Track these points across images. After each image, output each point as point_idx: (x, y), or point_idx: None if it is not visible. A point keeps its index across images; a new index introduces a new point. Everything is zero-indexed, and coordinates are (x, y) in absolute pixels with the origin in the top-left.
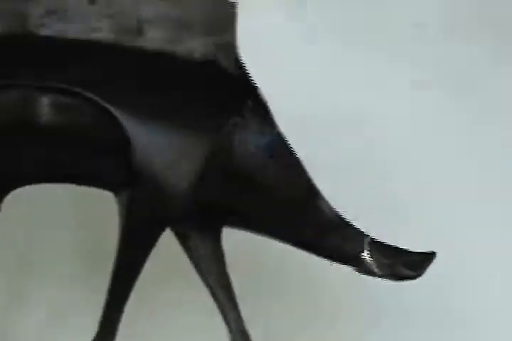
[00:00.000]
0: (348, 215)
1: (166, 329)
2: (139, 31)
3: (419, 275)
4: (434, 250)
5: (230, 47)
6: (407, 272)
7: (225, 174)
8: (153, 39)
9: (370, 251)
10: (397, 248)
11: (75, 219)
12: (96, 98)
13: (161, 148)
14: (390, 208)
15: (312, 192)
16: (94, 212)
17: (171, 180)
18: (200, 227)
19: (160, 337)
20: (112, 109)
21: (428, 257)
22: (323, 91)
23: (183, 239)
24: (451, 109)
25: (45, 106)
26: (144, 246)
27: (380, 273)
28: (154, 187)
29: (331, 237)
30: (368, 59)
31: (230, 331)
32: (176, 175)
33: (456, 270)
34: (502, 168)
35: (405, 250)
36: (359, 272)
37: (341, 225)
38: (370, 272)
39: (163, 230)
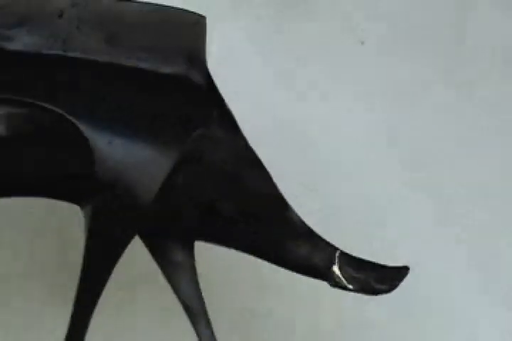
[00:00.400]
0: None
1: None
2: (109, 44)
3: (391, 289)
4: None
5: (197, 60)
6: (379, 286)
7: (197, 181)
8: (121, 52)
9: (340, 264)
10: (368, 262)
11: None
12: (61, 111)
13: (125, 158)
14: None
15: (281, 203)
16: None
17: (137, 186)
18: (172, 238)
19: None
20: (76, 121)
21: (401, 271)
22: (266, 109)
23: (154, 250)
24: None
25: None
26: (110, 255)
27: (352, 288)
28: (119, 195)
29: (300, 250)
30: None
31: None
32: (142, 182)
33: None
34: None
35: (377, 264)
36: (331, 286)
37: (311, 238)
38: (341, 286)
39: (131, 237)
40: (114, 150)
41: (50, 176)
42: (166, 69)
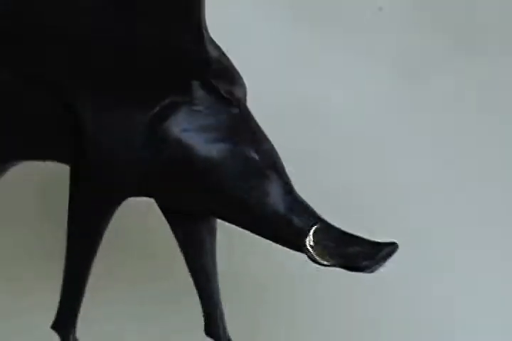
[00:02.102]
0: None
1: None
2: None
3: (374, 266)
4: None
5: (191, 27)
6: (362, 263)
7: (163, 151)
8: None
9: (315, 238)
10: (352, 236)
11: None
12: (47, 77)
13: (105, 125)
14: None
15: (264, 171)
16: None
17: (114, 153)
18: (186, 210)
19: None
20: (62, 88)
21: (388, 248)
22: (278, 78)
23: (170, 219)
24: (405, 98)
25: None
26: (87, 223)
27: (327, 264)
28: (97, 162)
29: (277, 219)
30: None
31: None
32: (118, 145)
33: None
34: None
35: (363, 239)
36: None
37: (291, 207)
38: (314, 260)
39: (109, 205)
40: (96, 117)
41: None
42: (148, 34)
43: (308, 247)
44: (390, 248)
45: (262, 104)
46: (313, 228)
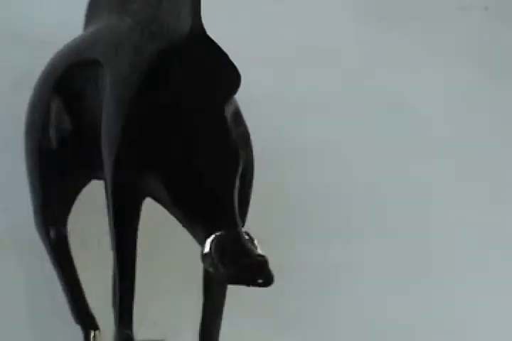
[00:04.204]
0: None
1: None
2: None
3: (262, 281)
4: None
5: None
6: (252, 277)
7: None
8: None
9: (213, 246)
10: (246, 248)
11: None
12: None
13: None
14: None
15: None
16: None
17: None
18: None
19: None
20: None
21: (258, 263)
22: (364, 78)
23: None
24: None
25: None
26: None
27: (218, 273)
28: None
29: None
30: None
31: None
32: None
33: None
34: None
35: (254, 252)
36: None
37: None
38: (207, 269)
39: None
40: None
41: None
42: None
43: (204, 255)
44: (262, 260)
45: (352, 103)
46: (212, 236)
